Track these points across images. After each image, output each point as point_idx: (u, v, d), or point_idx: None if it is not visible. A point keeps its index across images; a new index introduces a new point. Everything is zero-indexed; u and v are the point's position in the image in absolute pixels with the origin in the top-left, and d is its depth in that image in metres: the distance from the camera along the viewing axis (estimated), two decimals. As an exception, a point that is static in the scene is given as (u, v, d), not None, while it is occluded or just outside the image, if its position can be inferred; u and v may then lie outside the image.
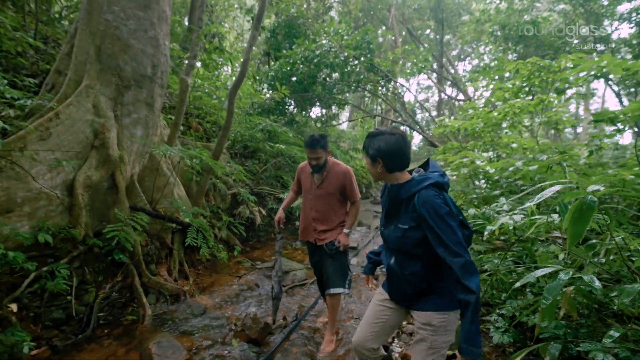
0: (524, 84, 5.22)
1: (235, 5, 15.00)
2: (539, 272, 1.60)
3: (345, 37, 9.87)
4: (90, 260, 3.33)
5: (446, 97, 23.58)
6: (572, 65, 3.94)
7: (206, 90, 6.66)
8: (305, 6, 14.62)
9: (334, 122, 12.78)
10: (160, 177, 4.24)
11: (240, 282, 4.14)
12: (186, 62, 5.52)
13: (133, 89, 3.78)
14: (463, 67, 29.25)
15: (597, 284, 1.44)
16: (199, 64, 6.41)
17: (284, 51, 9.42)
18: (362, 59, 9.89)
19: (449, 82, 23.33)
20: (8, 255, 2.43)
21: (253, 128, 6.85)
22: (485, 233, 2.23)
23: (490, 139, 5.81)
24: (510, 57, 14.02)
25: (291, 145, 7.18)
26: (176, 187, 4.44)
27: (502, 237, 3.39)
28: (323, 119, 13.74)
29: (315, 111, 13.93)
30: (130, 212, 3.65)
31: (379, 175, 1.63)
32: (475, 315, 1.36)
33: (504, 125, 5.39)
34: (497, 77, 6.95)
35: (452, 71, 24.63)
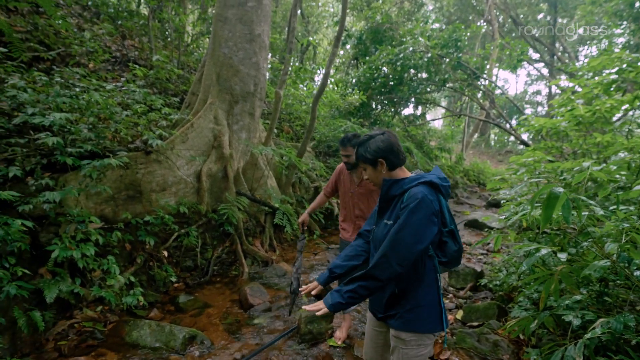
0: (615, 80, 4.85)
1: (331, 10, 16.22)
2: (524, 250, 1.99)
3: (431, 37, 9.99)
4: (209, 229, 4.62)
5: (559, 90, 20.82)
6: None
7: (296, 98, 7.78)
8: (397, 4, 14.95)
9: (420, 122, 12.85)
10: (257, 170, 5.40)
11: (316, 258, 5.03)
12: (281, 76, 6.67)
13: (240, 103, 4.99)
14: (587, 53, 25.26)
15: (564, 257, 1.80)
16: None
17: (367, 57, 10.07)
18: (449, 58, 9.88)
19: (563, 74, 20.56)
20: (165, 217, 3.74)
21: (336, 130, 7.72)
22: (512, 220, 2.61)
23: (578, 139, 5.49)
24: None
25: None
26: (269, 178, 5.57)
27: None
28: (410, 119, 13.94)
29: (404, 111, 14.22)
30: (236, 196, 4.85)
31: (381, 178, 1.57)
32: (351, 284, 1.41)
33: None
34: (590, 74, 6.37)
35: (568, 60, 21.57)
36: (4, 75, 3.49)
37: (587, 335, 1.47)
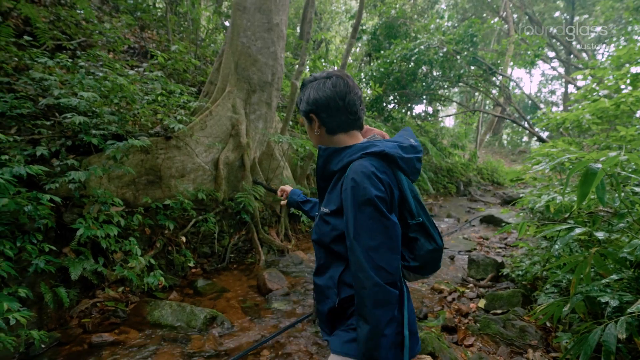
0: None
1: (343, 8, 16.18)
2: (558, 227, 1.94)
3: (446, 33, 9.88)
4: (226, 217, 4.63)
5: (575, 88, 20.39)
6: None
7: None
8: (411, 1, 14.83)
9: (432, 119, 12.73)
10: (273, 160, 5.40)
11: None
12: (296, 67, 6.67)
13: (258, 92, 4.99)
14: (605, 51, 24.67)
15: (601, 235, 1.74)
16: (306, 69, 7.53)
17: (382, 52, 10.01)
18: (464, 53, 9.75)
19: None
20: (184, 202, 3.76)
21: (350, 123, 7.68)
22: (537, 205, 2.54)
23: (602, 132, 5.35)
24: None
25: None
26: (285, 169, 5.56)
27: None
28: (423, 115, 13.82)
29: (417, 108, 14.10)
30: (252, 185, 4.86)
31: (319, 140, 1.15)
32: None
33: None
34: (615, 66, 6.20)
35: (587, 59, 21.11)
36: (30, 62, 3.56)
37: (632, 309, 1.42)
